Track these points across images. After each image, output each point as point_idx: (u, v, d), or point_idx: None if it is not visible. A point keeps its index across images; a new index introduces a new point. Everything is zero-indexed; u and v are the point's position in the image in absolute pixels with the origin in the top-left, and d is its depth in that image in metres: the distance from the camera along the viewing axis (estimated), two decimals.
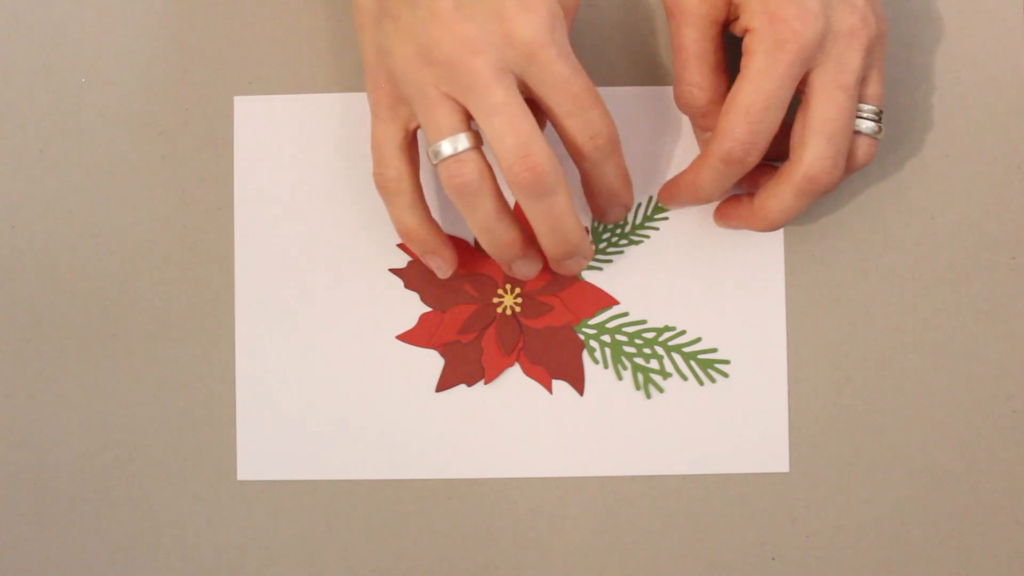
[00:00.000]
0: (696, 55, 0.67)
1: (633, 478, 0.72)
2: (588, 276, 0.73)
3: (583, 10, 0.73)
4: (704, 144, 0.70)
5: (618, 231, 0.73)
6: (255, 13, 0.74)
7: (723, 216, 0.71)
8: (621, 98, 0.73)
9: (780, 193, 0.66)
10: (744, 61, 0.64)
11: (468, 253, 0.73)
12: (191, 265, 0.73)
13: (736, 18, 0.66)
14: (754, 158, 0.65)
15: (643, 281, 0.73)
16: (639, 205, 0.73)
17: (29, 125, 0.74)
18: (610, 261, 0.73)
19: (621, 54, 0.73)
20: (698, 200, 0.68)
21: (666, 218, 0.73)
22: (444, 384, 0.73)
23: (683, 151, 0.73)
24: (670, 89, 0.73)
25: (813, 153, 0.65)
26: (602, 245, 0.73)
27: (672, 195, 0.70)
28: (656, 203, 0.73)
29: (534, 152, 0.61)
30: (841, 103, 0.64)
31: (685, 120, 0.73)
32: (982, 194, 0.73)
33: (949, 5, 0.73)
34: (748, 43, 0.64)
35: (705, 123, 0.69)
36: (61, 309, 0.73)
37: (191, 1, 0.74)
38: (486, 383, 0.73)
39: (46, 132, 0.74)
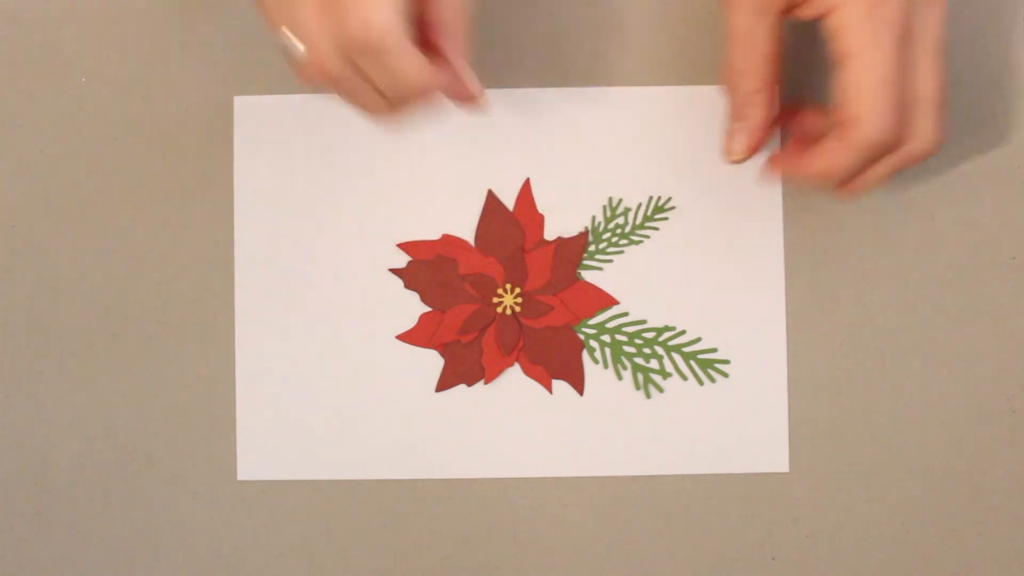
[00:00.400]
0: (746, 40, 0.66)
1: (633, 478, 0.73)
2: (588, 276, 0.73)
3: (586, 9, 0.73)
4: (736, 132, 0.69)
5: (618, 231, 0.73)
6: (255, 13, 0.74)
7: (784, 168, 0.70)
8: (622, 98, 0.73)
9: (843, 154, 0.66)
10: (844, 41, 0.63)
11: (468, 253, 0.73)
12: (191, 265, 0.73)
13: (802, 2, 0.65)
14: (899, 135, 0.64)
15: (643, 281, 0.73)
16: (639, 205, 0.73)
17: (29, 125, 0.74)
18: (610, 261, 0.73)
19: (621, 54, 0.73)
20: (829, 185, 0.67)
21: (666, 218, 0.73)
22: (444, 384, 0.73)
23: (685, 151, 0.73)
24: (672, 89, 0.73)
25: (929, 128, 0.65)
26: (602, 245, 0.73)
27: (797, 174, 0.68)
28: (656, 203, 0.73)
29: (363, 11, 0.58)
30: (937, 70, 0.65)
31: (685, 120, 0.73)
32: (982, 194, 0.73)
33: (949, 5, 0.73)
34: (841, 20, 0.63)
35: (745, 112, 0.68)
36: (61, 309, 0.73)
37: (191, 1, 0.74)
38: (486, 383, 0.73)
39: (46, 132, 0.74)
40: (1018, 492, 0.72)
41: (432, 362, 0.73)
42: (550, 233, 0.73)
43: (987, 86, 0.73)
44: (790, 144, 0.71)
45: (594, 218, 0.73)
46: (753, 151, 0.69)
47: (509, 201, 0.73)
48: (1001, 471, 0.72)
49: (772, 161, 0.71)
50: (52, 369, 0.73)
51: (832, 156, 0.65)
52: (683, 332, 0.73)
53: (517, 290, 0.73)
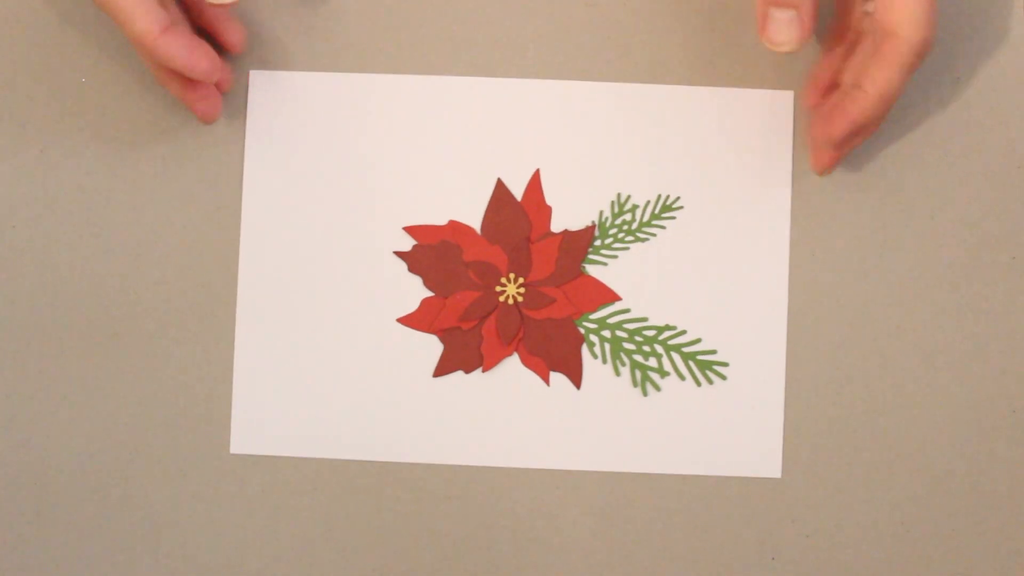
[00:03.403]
0: None
1: (630, 475, 0.72)
2: (592, 270, 0.73)
3: (582, 8, 0.73)
4: (787, 22, 0.66)
5: (625, 227, 0.73)
6: (256, 12, 0.74)
7: (833, 128, 0.69)
8: (638, 95, 0.74)
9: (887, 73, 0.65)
10: None
11: (473, 240, 0.73)
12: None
13: None
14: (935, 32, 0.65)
15: (646, 279, 0.73)
16: (647, 203, 0.73)
17: (29, 125, 0.74)
18: (615, 257, 0.73)
19: (621, 52, 0.74)
20: (884, 110, 0.67)
21: (673, 217, 0.73)
22: (442, 369, 0.73)
23: (696, 152, 0.73)
24: (689, 89, 0.74)
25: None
26: (608, 240, 0.73)
27: (853, 124, 0.68)
28: (665, 202, 0.73)
29: None
30: None
31: (699, 121, 0.73)
32: (982, 194, 0.73)
33: (949, 5, 0.73)
34: None
35: None
36: (61, 309, 0.73)
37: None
38: (484, 371, 0.73)
39: (46, 132, 0.74)
40: (1018, 492, 0.72)
41: (431, 347, 0.73)
42: (557, 225, 0.73)
43: (987, 86, 0.73)
44: (817, 114, 0.71)
45: (601, 213, 0.73)
46: (803, 42, 0.66)
47: (518, 191, 0.73)
48: (1001, 471, 0.72)
49: (817, 136, 0.70)
50: (52, 369, 0.73)
51: (884, 78, 0.65)
52: (683, 332, 0.73)
53: (520, 280, 0.73)
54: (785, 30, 0.66)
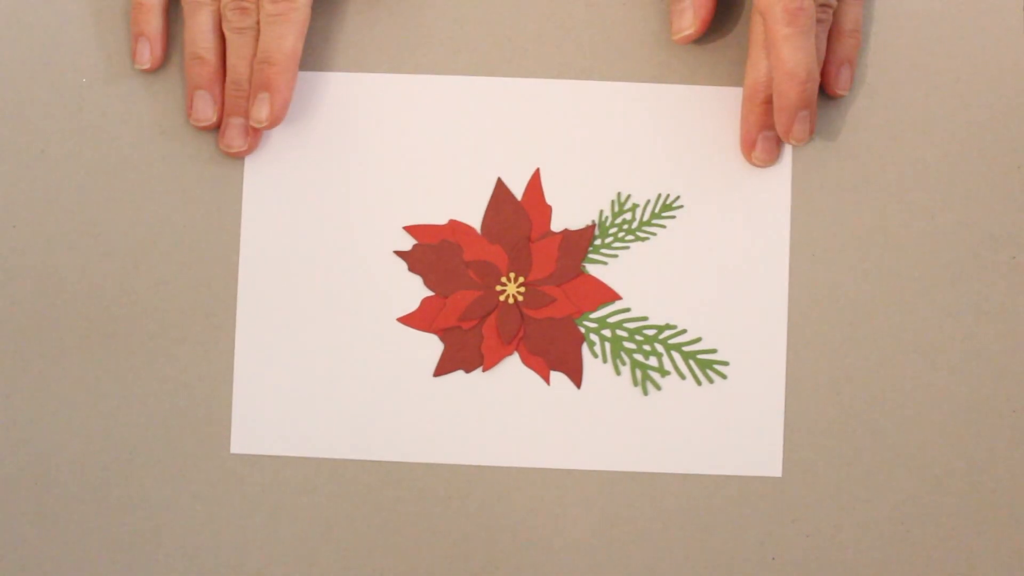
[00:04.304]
0: None
1: (630, 475, 0.72)
2: (592, 270, 0.73)
3: (582, 7, 0.74)
4: (684, 9, 0.72)
5: (625, 226, 0.73)
6: None
7: (753, 132, 0.73)
8: (637, 94, 0.74)
9: (776, 39, 0.69)
10: None
11: (473, 239, 0.73)
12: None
13: None
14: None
15: (646, 278, 0.73)
16: (647, 202, 0.73)
17: (29, 125, 0.74)
18: (615, 256, 0.73)
19: (621, 52, 0.74)
20: (794, 78, 0.69)
21: (673, 216, 0.73)
22: (442, 369, 0.73)
23: (696, 151, 0.73)
24: (688, 88, 0.74)
25: None
26: (608, 240, 0.73)
27: (754, 94, 0.72)
28: (665, 201, 0.73)
29: None
30: None
31: (699, 120, 0.73)
32: (982, 194, 0.73)
33: (949, 5, 0.73)
34: None
35: None
36: (61, 309, 0.73)
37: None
38: (484, 370, 0.73)
39: (46, 132, 0.74)
40: (1018, 492, 0.72)
41: (432, 347, 0.73)
42: (557, 224, 0.73)
43: (987, 86, 0.73)
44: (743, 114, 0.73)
45: (601, 212, 0.73)
46: (702, 25, 0.72)
47: (518, 190, 0.73)
48: (1001, 471, 0.72)
49: (746, 128, 0.73)
50: (52, 369, 0.73)
51: (775, 48, 0.69)
52: (684, 331, 0.73)
53: (520, 279, 0.73)
54: (684, 16, 0.72)
